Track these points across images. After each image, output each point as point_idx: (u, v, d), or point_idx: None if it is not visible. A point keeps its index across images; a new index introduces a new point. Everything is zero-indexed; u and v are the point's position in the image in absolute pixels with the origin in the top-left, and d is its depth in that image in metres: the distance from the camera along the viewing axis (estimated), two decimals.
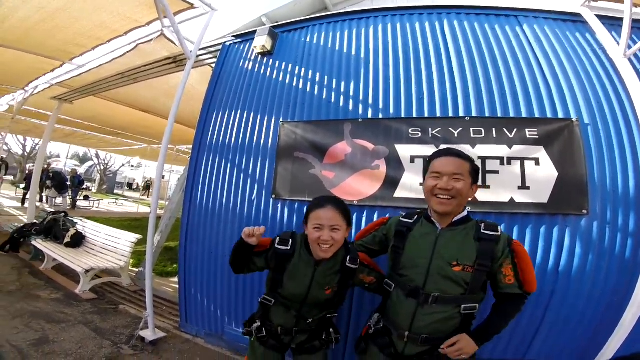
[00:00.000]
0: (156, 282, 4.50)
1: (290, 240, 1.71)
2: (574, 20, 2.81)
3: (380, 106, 2.80)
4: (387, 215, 2.18)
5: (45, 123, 7.91)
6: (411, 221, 1.69)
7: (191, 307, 3.26)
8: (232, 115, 3.35)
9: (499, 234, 1.51)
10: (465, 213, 1.60)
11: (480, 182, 2.30)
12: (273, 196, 2.90)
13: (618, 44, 2.47)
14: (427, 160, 1.67)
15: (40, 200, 10.89)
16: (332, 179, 2.71)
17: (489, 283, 1.57)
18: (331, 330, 1.83)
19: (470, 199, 1.62)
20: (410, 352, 1.54)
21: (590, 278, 2.14)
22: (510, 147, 2.35)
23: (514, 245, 1.52)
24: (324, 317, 1.78)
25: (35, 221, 5.73)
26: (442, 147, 2.39)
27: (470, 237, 1.52)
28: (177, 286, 3.44)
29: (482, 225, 1.54)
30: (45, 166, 11.30)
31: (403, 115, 2.69)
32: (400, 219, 1.74)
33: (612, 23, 2.66)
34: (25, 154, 21.34)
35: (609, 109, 2.41)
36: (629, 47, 2.44)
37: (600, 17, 2.71)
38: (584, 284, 2.15)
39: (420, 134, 2.56)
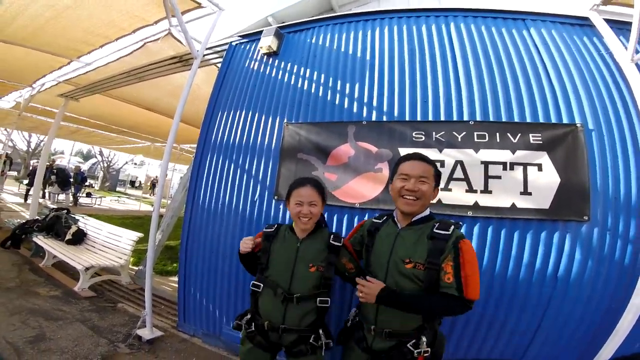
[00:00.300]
0: (155, 281, 4.51)
1: (276, 225, 1.98)
2: (582, 24, 2.81)
3: (385, 109, 2.80)
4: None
5: (51, 120, 7.97)
6: (380, 222, 1.83)
7: (189, 307, 3.26)
8: (237, 115, 3.36)
9: (450, 232, 1.54)
10: (426, 212, 1.69)
11: (482, 187, 2.34)
12: (275, 197, 2.91)
13: (626, 48, 2.46)
14: (395, 163, 1.77)
15: (43, 197, 10.95)
16: (335, 181, 2.71)
17: None
18: (321, 332, 1.79)
19: (432, 201, 1.73)
20: (379, 346, 1.61)
21: (589, 284, 2.15)
22: (513, 152, 2.35)
23: (460, 243, 1.51)
24: (313, 298, 1.78)
25: (37, 217, 5.76)
26: (445, 150, 2.44)
27: (425, 236, 1.59)
28: (176, 285, 3.45)
29: (437, 224, 1.59)
30: (49, 163, 11.34)
31: (407, 118, 2.69)
32: (373, 220, 1.88)
33: (621, 27, 2.65)
34: (30, 150, 21.45)
35: (614, 114, 2.40)
36: (637, 51, 2.42)
37: (608, 21, 2.69)
38: (583, 289, 2.15)
39: (424, 137, 2.55)
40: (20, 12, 3.75)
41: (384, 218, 1.84)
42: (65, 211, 5.55)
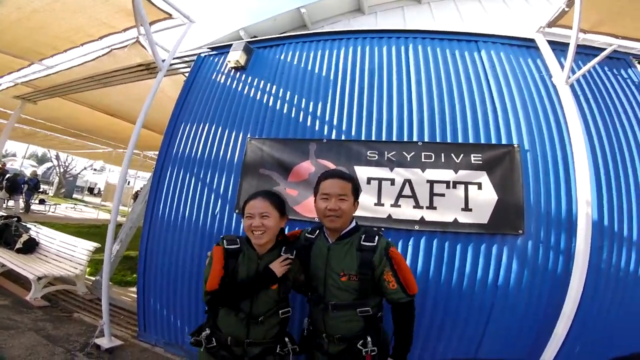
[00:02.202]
0: (114, 291, 4.38)
1: (237, 239, 1.80)
2: (528, 46, 3.07)
3: (344, 127, 2.95)
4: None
5: (4, 121, 7.51)
6: (313, 237, 1.92)
7: (150, 316, 3.21)
8: (200, 128, 3.37)
9: (375, 243, 1.70)
10: (352, 225, 1.82)
11: (428, 204, 2.54)
12: (237, 211, 2.95)
13: (563, 70, 2.68)
14: (317, 181, 1.86)
15: None
16: (296, 196, 2.81)
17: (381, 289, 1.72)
18: (287, 340, 1.80)
19: (354, 213, 1.84)
20: (334, 350, 1.74)
21: (526, 292, 2.37)
22: (456, 172, 2.58)
23: (391, 253, 1.68)
24: (275, 313, 1.75)
25: None
26: (396, 170, 2.63)
27: (354, 248, 1.73)
28: (136, 295, 3.39)
29: (363, 236, 1.74)
30: (0, 165, 10.67)
31: (363, 138, 2.87)
32: (306, 234, 1.97)
33: (563, 49, 2.88)
34: None
35: (547, 135, 2.67)
36: (574, 71, 2.65)
37: (553, 43, 2.95)
38: (521, 296, 2.37)
39: (377, 156, 2.73)
40: None
41: (317, 232, 1.93)
42: (16, 219, 5.27)
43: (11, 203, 10.61)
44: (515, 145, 2.61)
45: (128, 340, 3.22)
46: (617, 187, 2.51)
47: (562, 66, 2.76)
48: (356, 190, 1.83)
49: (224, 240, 1.78)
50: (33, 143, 12.19)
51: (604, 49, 2.78)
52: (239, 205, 2.94)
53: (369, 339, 1.67)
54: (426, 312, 2.45)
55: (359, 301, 1.69)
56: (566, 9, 2.79)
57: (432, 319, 2.44)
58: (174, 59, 3.78)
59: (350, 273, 1.69)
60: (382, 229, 1.85)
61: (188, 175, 3.24)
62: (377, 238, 1.72)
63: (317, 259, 1.81)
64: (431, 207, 2.53)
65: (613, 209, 2.45)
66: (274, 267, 1.70)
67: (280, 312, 1.77)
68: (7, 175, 10.42)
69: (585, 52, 2.95)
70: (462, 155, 2.60)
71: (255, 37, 4.46)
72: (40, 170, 23.71)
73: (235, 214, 2.96)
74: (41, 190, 15.03)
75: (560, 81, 2.70)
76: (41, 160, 35.18)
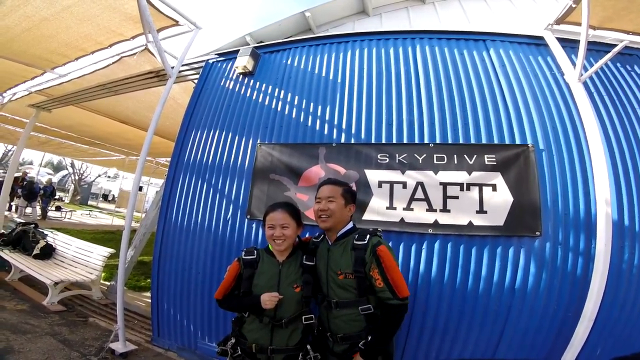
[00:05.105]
0: (129, 296, 4.43)
1: (255, 250, 1.96)
2: (537, 43, 3.01)
3: (353, 131, 2.93)
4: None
5: (20, 130, 7.70)
6: (318, 240, 2.04)
7: (163, 321, 3.24)
8: (211, 134, 3.39)
9: (366, 241, 1.75)
10: (349, 226, 1.92)
11: (441, 207, 2.49)
12: (248, 216, 2.96)
13: (575, 67, 2.62)
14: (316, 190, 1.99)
15: (9, 209, 10.50)
16: (307, 201, 2.79)
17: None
18: (309, 347, 1.85)
19: (350, 215, 1.95)
20: (338, 349, 1.79)
21: (545, 295, 2.30)
22: (469, 174, 2.52)
23: (378, 251, 1.71)
24: (299, 318, 1.86)
25: (2, 231, 5.54)
26: (407, 172, 2.60)
27: (349, 248, 1.81)
28: (150, 300, 3.43)
29: (356, 236, 1.82)
30: (21, 174, 10.94)
31: (373, 141, 2.84)
32: (313, 239, 2.07)
33: (573, 46, 2.81)
34: None
35: (562, 134, 2.59)
36: (585, 69, 2.59)
37: (562, 40, 2.89)
38: (539, 300, 2.30)
39: (388, 159, 2.70)
40: None
41: (321, 237, 2.03)
42: (33, 225, 5.39)
43: (29, 210, 10.85)
44: (530, 145, 2.54)
45: (142, 344, 3.26)
46: (637, 185, 2.42)
47: (573, 63, 2.71)
48: (348, 193, 1.95)
49: (243, 252, 1.96)
50: (47, 151, 12.49)
51: (615, 45, 2.71)
52: (250, 210, 2.96)
53: (370, 338, 1.69)
54: (441, 315, 2.41)
55: (359, 299, 1.74)
56: (573, 5, 2.73)
57: (448, 322, 2.40)
58: (182, 65, 3.81)
59: (347, 271, 1.76)
60: (379, 229, 1.83)
61: (200, 181, 3.27)
62: (368, 236, 1.77)
63: (320, 260, 1.90)
64: (445, 210, 2.48)
65: (634, 208, 2.36)
66: (264, 298, 1.77)
67: (303, 317, 1.87)
68: (25, 183, 10.68)
69: (596, 48, 2.88)
70: (475, 156, 2.55)
71: (261, 42, 4.45)
72: (56, 178, 24.26)
73: (246, 220, 2.97)
74: (57, 197, 15.35)
75: (573, 79, 2.64)
76: (57, 168, 35.99)
